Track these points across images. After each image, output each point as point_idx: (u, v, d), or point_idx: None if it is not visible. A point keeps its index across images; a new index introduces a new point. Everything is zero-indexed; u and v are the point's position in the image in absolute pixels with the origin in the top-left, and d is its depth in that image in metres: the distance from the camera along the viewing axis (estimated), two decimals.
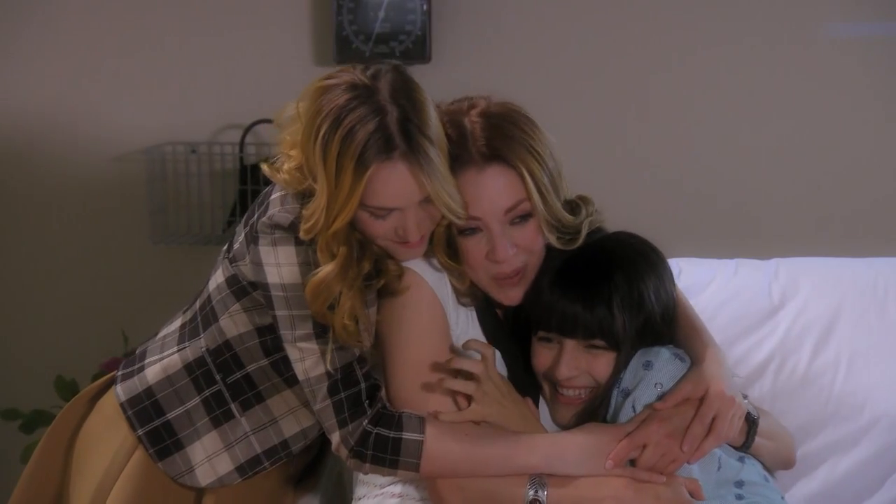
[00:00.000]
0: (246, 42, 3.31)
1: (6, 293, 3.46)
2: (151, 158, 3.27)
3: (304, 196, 1.97)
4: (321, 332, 1.96)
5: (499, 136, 2.04)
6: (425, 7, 3.20)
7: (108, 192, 3.39)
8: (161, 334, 2.20)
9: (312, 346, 1.97)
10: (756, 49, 3.23)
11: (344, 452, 1.97)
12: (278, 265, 1.97)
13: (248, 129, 3.24)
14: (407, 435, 1.95)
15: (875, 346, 2.46)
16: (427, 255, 2.07)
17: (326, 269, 1.93)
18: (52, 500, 2.20)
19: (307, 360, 1.97)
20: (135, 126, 3.33)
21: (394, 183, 1.92)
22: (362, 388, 1.97)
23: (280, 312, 1.98)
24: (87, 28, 3.34)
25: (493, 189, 2.03)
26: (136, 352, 2.22)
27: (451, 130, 2.03)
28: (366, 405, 1.97)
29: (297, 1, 3.30)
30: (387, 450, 1.95)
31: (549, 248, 2.10)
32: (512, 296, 2.10)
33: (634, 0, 3.26)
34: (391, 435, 1.95)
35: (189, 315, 2.17)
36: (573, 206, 2.12)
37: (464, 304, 2.12)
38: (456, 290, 2.10)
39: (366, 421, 1.96)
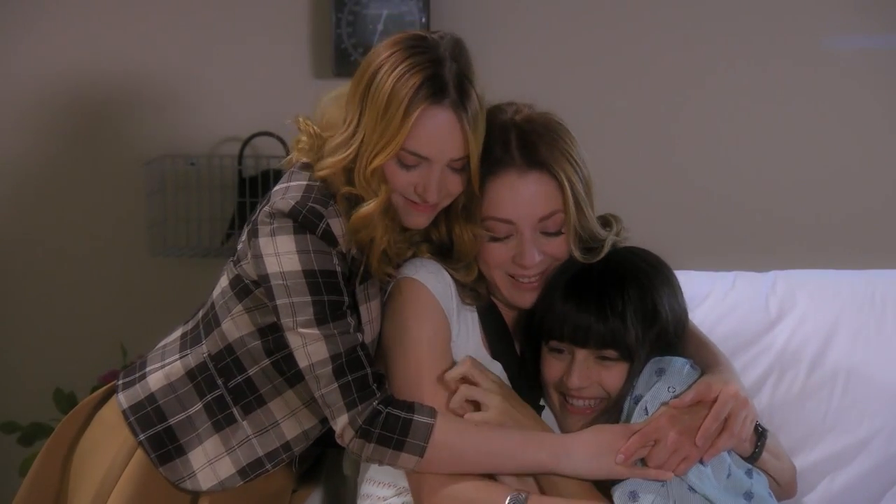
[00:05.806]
0: (245, 55, 3.32)
1: (5, 305, 3.46)
2: (150, 171, 3.27)
3: (313, 169, 2.03)
4: (322, 318, 1.97)
5: (544, 144, 2.06)
6: (423, 20, 3.20)
7: (108, 205, 3.39)
8: (160, 345, 2.21)
9: (314, 331, 1.97)
10: (752, 65, 3.24)
11: (349, 434, 1.96)
12: (277, 255, 1.98)
13: (246, 142, 3.25)
14: (418, 418, 1.96)
15: (873, 360, 2.45)
16: (430, 258, 2.11)
17: (370, 206, 1.98)
18: None
19: (310, 345, 1.98)
20: (134, 139, 3.34)
21: (438, 129, 1.97)
22: (368, 372, 1.98)
23: (280, 301, 1.99)
24: (85, 41, 3.35)
25: (533, 195, 2.06)
26: (136, 363, 2.22)
27: (495, 131, 2.06)
28: (374, 388, 1.97)
29: (296, 14, 3.31)
30: (395, 429, 1.95)
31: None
32: (528, 298, 2.11)
33: (631, 9, 3.27)
34: (402, 415, 1.95)
35: (191, 325, 2.18)
36: (604, 221, 2.15)
37: (468, 305, 2.13)
38: (460, 289, 2.12)
39: (376, 402, 1.96)
